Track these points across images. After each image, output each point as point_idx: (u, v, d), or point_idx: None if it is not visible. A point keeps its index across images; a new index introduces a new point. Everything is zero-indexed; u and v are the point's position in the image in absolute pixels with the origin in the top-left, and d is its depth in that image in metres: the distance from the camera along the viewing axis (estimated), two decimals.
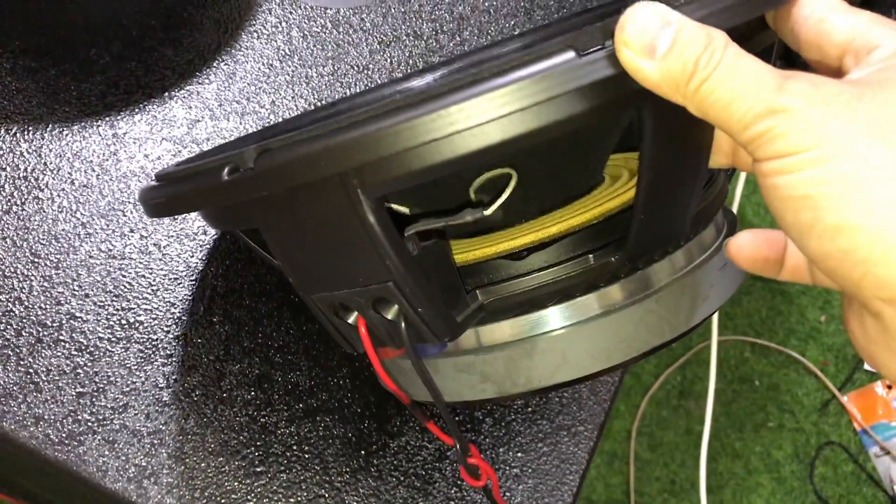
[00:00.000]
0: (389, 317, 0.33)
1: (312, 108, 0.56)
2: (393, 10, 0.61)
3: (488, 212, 0.33)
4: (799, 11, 0.30)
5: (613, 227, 0.37)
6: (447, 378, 0.38)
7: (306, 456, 0.46)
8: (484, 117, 0.26)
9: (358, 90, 0.57)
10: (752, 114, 0.24)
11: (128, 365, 0.46)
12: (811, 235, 0.24)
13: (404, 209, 0.34)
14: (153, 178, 0.39)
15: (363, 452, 0.47)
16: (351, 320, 0.35)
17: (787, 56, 0.42)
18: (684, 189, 0.35)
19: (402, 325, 0.33)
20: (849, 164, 0.23)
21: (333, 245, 0.32)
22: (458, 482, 0.48)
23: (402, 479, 0.47)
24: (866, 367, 1.40)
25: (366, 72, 0.58)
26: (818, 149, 0.23)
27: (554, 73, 0.26)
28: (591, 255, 0.36)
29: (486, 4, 0.61)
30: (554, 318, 0.37)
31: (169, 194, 0.36)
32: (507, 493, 0.48)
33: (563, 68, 0.26)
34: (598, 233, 0.37)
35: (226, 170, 0.31)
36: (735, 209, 0.99)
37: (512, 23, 0.61)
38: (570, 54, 0.26)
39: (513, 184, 0.35)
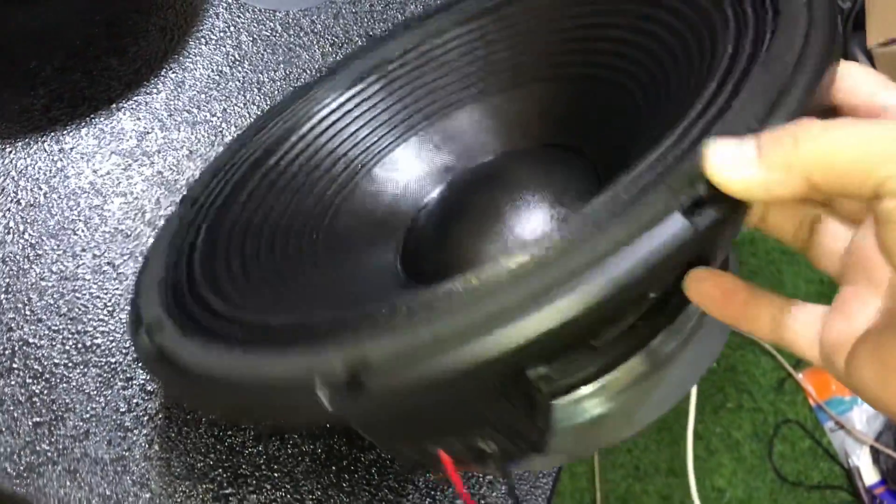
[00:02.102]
0: (486, 449, 0.32)
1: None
2: (343, 12, 0.59)
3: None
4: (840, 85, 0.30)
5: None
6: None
7: (276, 475, 0.45)
8: None
9: None
10: (887, 153, 0.23)
11: (86, 390, 0.45)
12: None
13: None
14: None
15: (334, 468, 0.46)
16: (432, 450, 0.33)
17: None
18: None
19: (499, 455, 0.32)
20: None
21: (458, 420, 0.31)
22: (432, 493, 0.47)
23: (375, 493, 0.46)
24: None
25: (319, 75, 0.57)
26: None
27: (673, 245, 0.25)
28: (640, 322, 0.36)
29: (438, 4, 0.60)
30: (617, 382, 0.37)
31: (237, 401, 0.28)
32: (483, 501, 0.48)
33: (681, 238, 0.25)
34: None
35: (324, 393, 0.25)
36: None
37: None
38: (679, 218, 0.25)
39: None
